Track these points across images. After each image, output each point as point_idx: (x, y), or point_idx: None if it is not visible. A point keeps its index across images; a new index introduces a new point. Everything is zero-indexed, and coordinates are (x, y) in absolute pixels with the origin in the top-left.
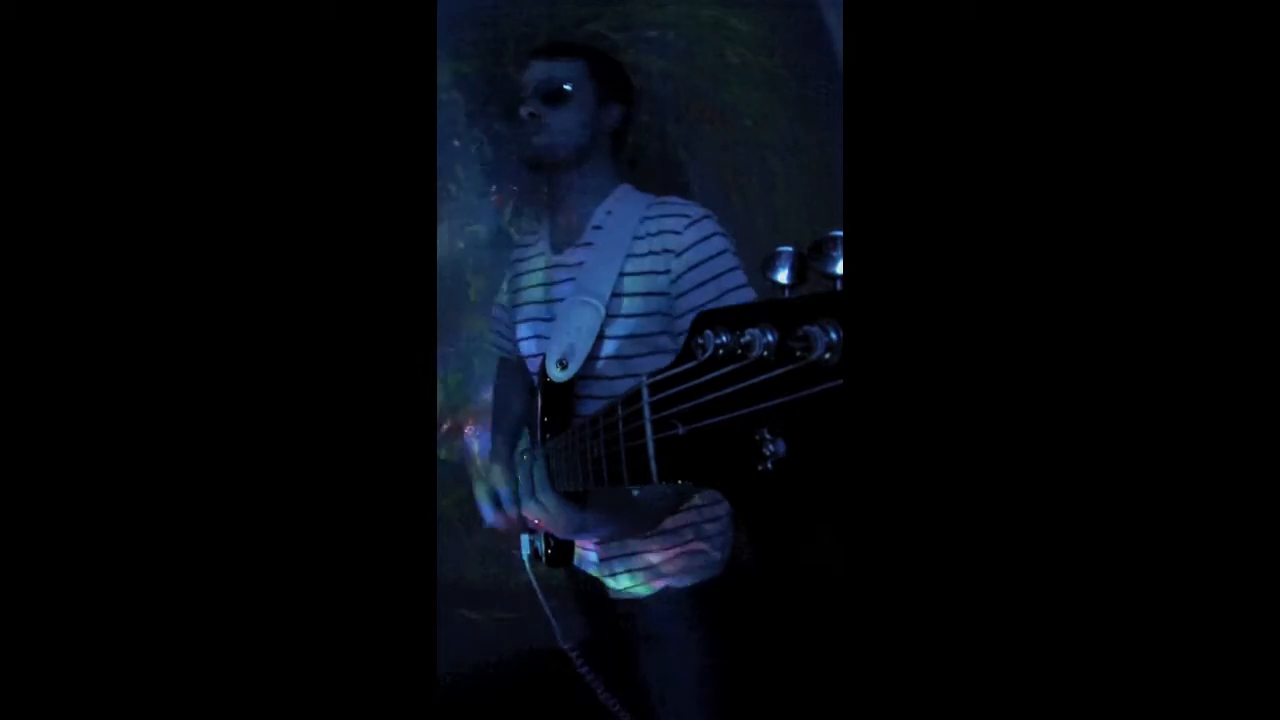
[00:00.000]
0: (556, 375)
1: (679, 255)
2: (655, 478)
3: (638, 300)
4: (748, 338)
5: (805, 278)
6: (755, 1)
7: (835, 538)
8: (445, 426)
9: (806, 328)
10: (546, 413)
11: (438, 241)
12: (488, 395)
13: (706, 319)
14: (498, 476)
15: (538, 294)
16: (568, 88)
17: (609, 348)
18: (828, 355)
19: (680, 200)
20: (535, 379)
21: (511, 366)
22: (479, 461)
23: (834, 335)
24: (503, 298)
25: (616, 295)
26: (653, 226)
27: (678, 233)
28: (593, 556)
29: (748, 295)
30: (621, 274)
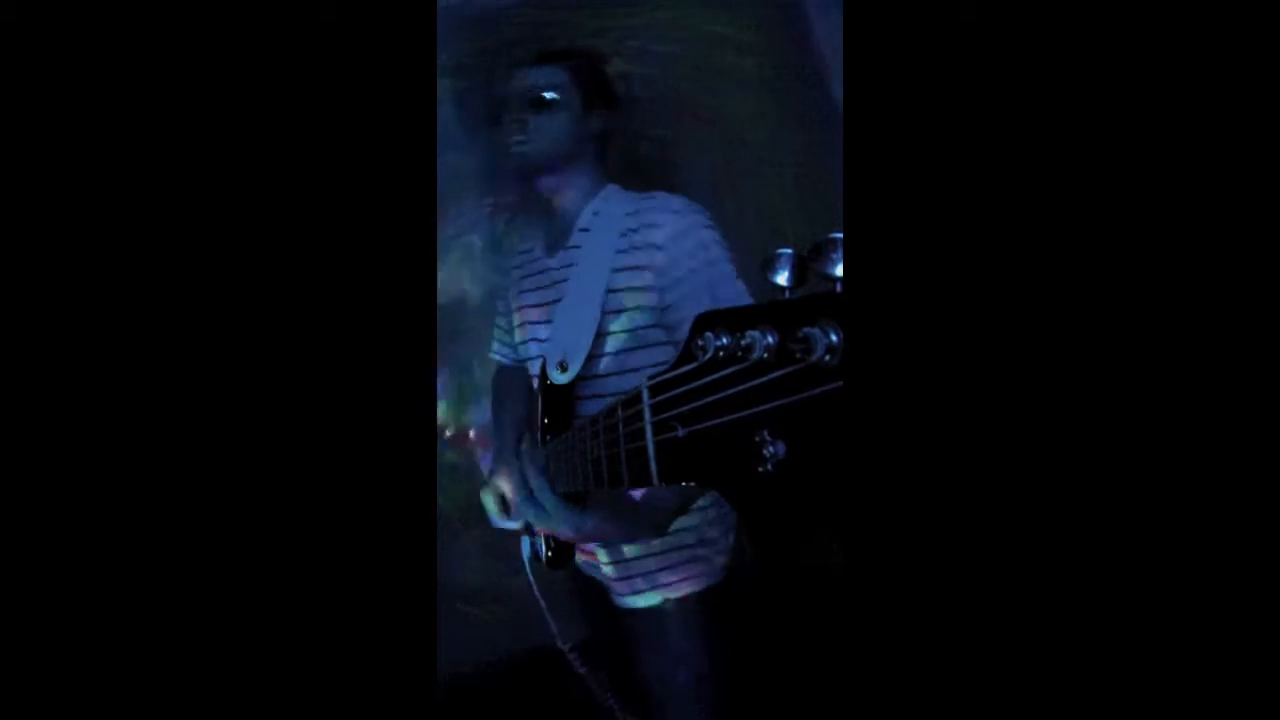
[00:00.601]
0: (557, 378)
1: (662, 248)
2: (655, 479)
3: (631, 297)
4: (748, 339)
5: (805, 279)
6: (741, 6)
7: (835, 540)
8: (448, 434)
9: (806, 330)
10: (547, 415)
11: (440, 248)
12: (488, 402)
13: (706, 320)
14: (503, 480)
15: (534, 298)
16: (552, 95)
17: (608, 346)
18: (827, 357)
19: (662, 194)
20: (535, 382)
21: (510, 373)
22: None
23: (834, 337)
24: (504, 304)
25: (611, 293)
26: (635, 222)
27: (660, 226)
28: (606, 570)
29: (736, 283)
30: (613, 272)
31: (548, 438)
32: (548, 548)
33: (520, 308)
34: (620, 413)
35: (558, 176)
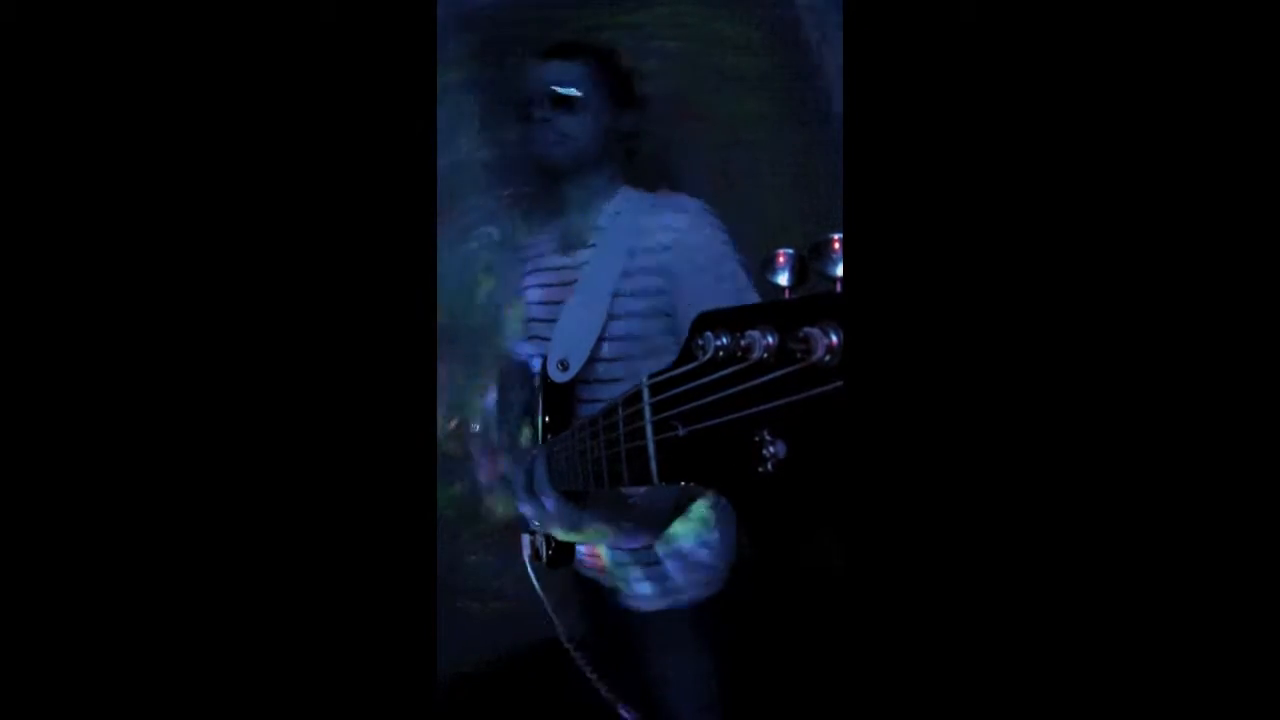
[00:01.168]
0: (557, 376)
1: (672, 249)
2: (655, 478)
3: (638, 300)
4: (748, 339)
5: (805, 279)
6: (742, 5)
7: (835, 540)
8: (453, 423)
9: (806, 329)
10: (547, 413)
11: (451, 243)
12: (494, 394)
13: (706, 320)
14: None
15: (544, 295)
16: (578, 93)
17: (610, 349)
18: (828, 357)
19: (676, 196)
20: (537, 380)
21: (516, 368)
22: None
23: (834, 337)
24: (512, 297)
25: (618, 296)
26: (649, 224)
27: (670, 228)
28: (609, 571)
29: (747, 290)
30: (623, 275)
31: (547, 436)
32: (548, 546)
33: (528, 303)
34: (620, 412)
35: (580, 175)
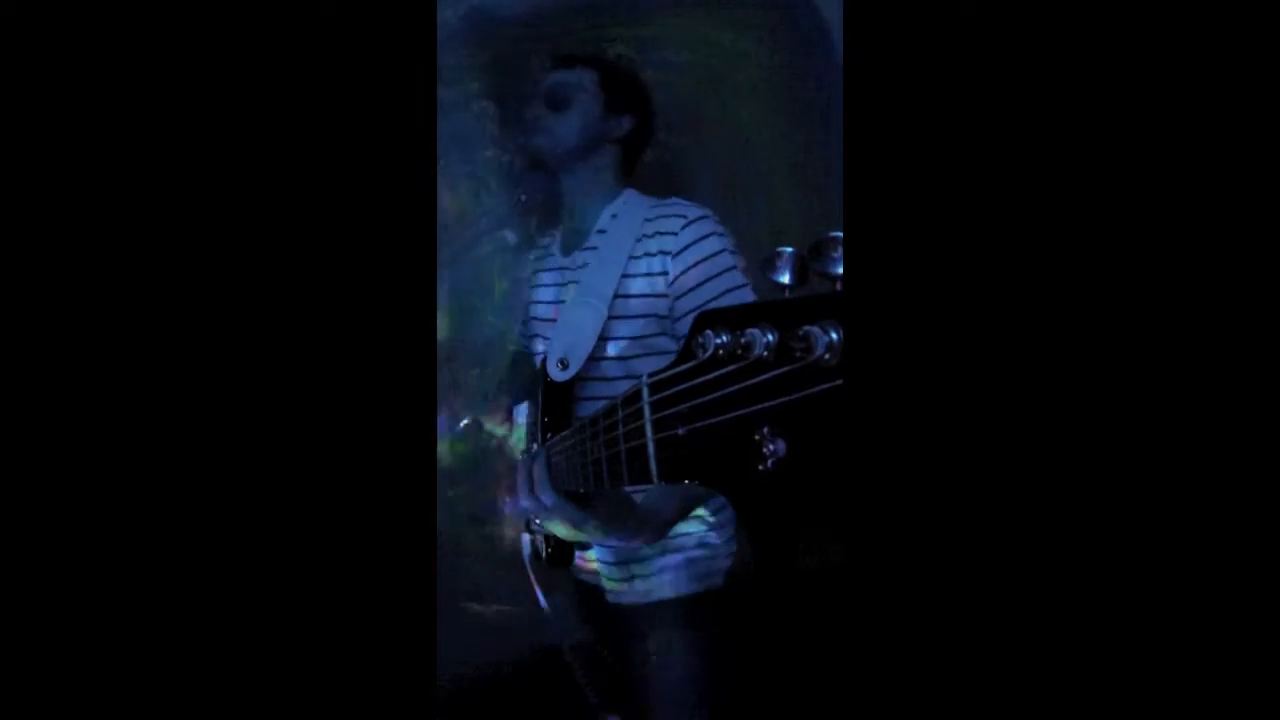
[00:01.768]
0: (557, 375)
1: (676, 256)
2: (655, 478)
3: (638, 302)
4: (748, 338)
5: (806, 278)
6: (748, 14)
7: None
8: (466, 421)
9: (806, 328)
10: (547, 412)
11: (466, 246)
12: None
13: (706, 319)
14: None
15: (547, 294)
16: (569, 95)
17: (610, 349)
18: (827, 355)
19: (680, 201)
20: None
21: (525, 359)
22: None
23: (834, 335)
24: (519, 298)
25: (618, 297)
26: (651, 228)
27: (674, 234)
28: (602, 571)
29: (746, 295)
30: (623, 276)
31: (547, 436)
32: (547, 546)
33: (531, 303)
34: (620, 411)
35: (575, 177)
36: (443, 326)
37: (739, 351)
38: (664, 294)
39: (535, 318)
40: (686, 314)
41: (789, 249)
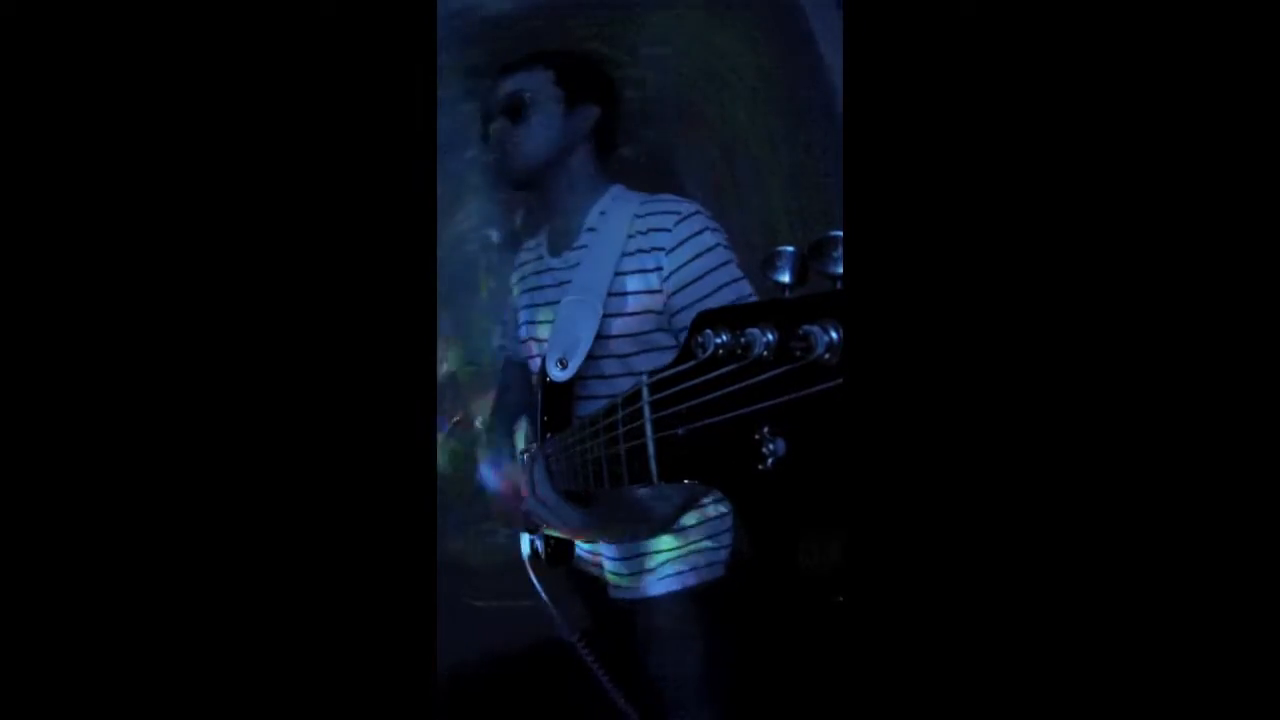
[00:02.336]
0: (556, 375)
1: (669, 252)
2: (655, 477)
3: (634, 299)
4: (747, 337)
5: (806, 278)
6: (742, 13)
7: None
8: (456, 419)
9: (806, 327)
10: (546, 412)
11: (454, 245)
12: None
13: (706, 318)
14: (496, 444)
15: (537, 296)
16: (525, 99)
17: (607, 347)
18: (827, 355)
19: (671, 197)
20: (536, 379)
21: (516, 367)
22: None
23: (834, 335)
24: (510, 299)
25: (613, 294)
26: (643, 225)
27: (668, 230)
28: (607, 550)
29: (744, 288)
30: (616, 273)
31: (547, 435)
32: (546, 545)
33: (523, 306)
34: (620, 411)
35: (557, 177)
36: None
37: (739, 351)
38: (658, 290)
39: (529, 321)
40: (683, 309)
41: (790, 248)
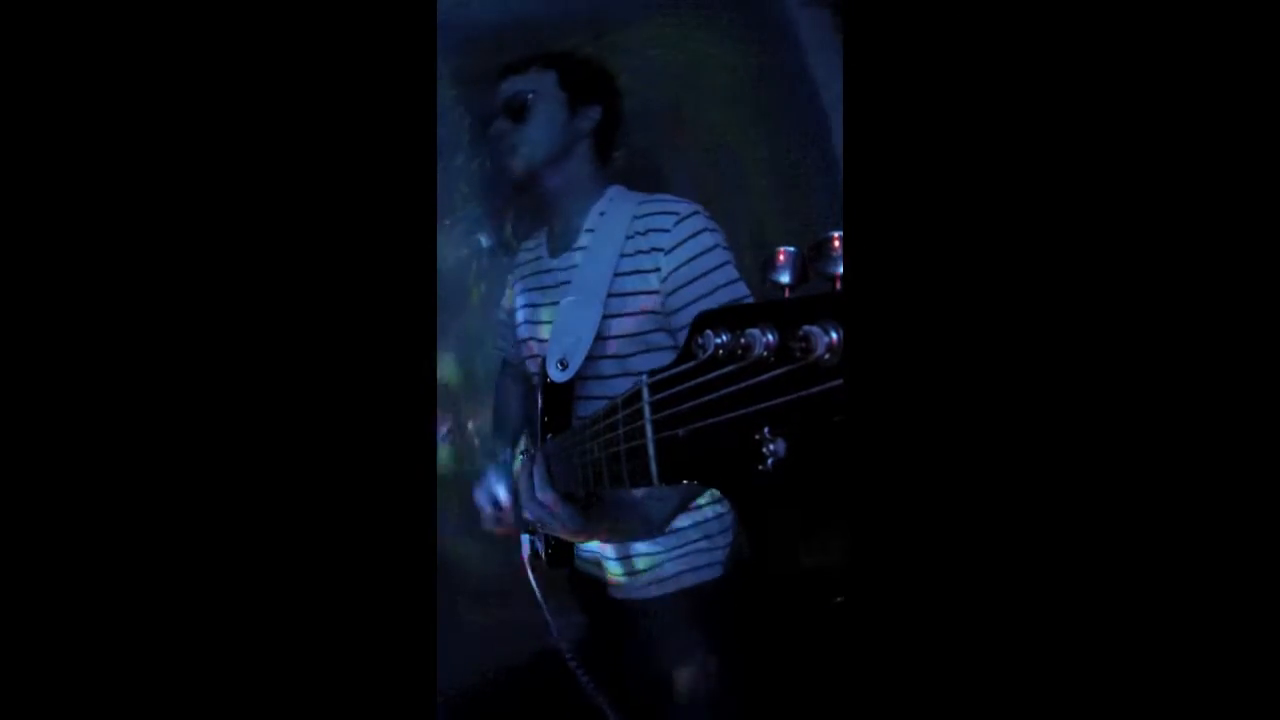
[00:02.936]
0: (557, 376)
1: (668, 253)
2: (655, 479)
3: (633, 299)
4: (747, 338)
5: (806, 278)
6: (731, 23)
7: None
8: (446, 427)
9: (806, 328)
10: (547, 413)
11: (444, 250)
12: (488, 395)
13: (706, 319)
14: (496, 478)
15: (537, 297)
16: (527, 100)
17: (608, 347)
18: (828, 355)
19: (669, 197)
20: (536, 380)
21: (514, 370)
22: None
23: (834, 335)
24: (507, 302)
25: (613, 295)
26: (641, 225)
27: (666, 230)
28: (607, 550)
29: (740, 289)
30: (615, 274)
31: (547, 436)
32: (547, 546)
33: (522, 306)
34: (620, 411)
35: (558, 177)
36: None
37: (739, 352)
38: (656, 290)
39: (528, 321)
40: (681, 309)
41: (790, 248)
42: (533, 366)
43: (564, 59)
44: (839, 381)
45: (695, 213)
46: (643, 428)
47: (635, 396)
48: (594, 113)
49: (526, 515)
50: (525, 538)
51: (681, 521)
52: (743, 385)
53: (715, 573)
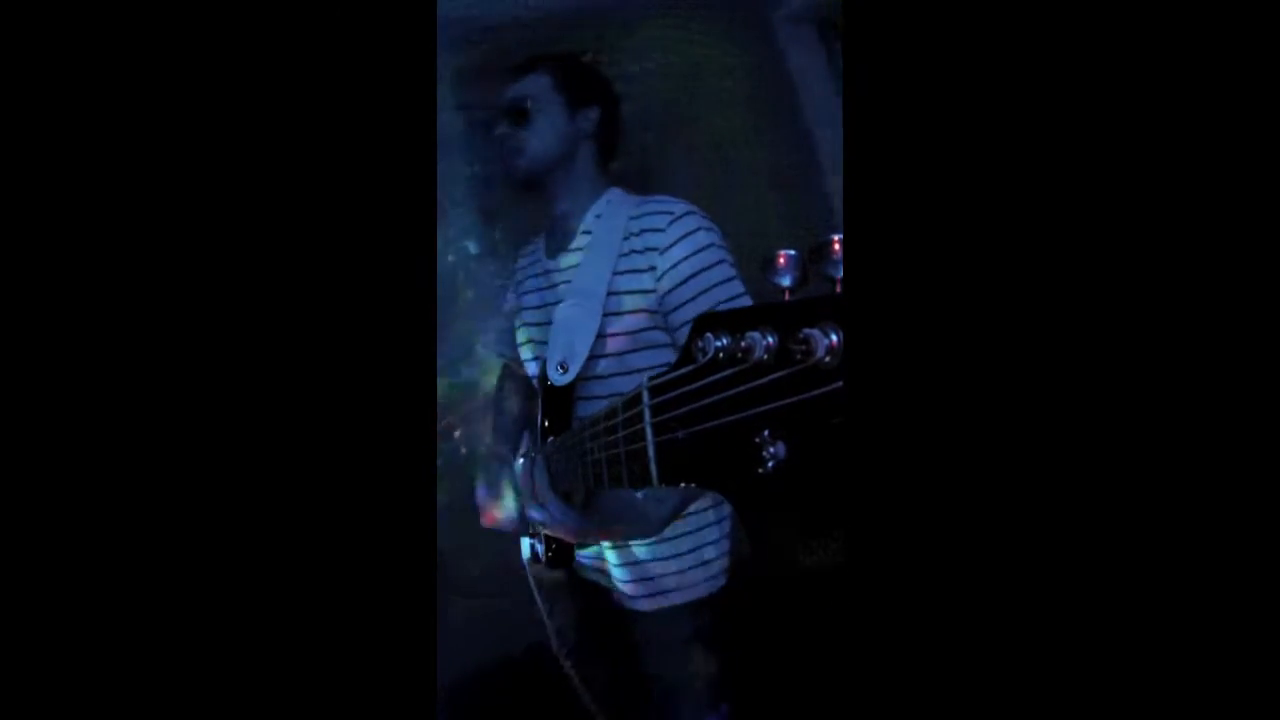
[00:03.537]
0: (557, 378)
1: (663, 252)
2: (655, 480)
3: (631, 300)
4: (748, 341)
5: (806, 281)
6: (725, 31)
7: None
8: (443, 425)
9: (806, 331)
10: (547, 415)
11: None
12: (481, 397)
13: (707, 322)
14: (495, 476)
15: (535, 299)
16: (529, 104)
17: (607, 347)
18: (828, 358)
19: (664, 198)
20: (535, 383)
21: (513, 372)
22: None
23: (834, 338)
24: (506, 306)
25: (611, 295)
26: (637, 226)
27: (660, 230)
28: (612, 558)
29: (736, 287)
30: (614, 274)
31: (548, 438)
32: (547, 548)
33: (521, 309)
34: (620, 414)
35: (556, 180)
36: None
37: (739, 354)
38: (652, 290)
39: (527, 323)
40: (677, 308)
41: (791, 251)
42: (533, 369)
43: (563, 63)
44: (839, 384)
45: (690, 212)
46: (643, 430)
47: (635, 399)
48: (593, 114)
49: (528, 516)
50: (525, 540)
51: (685, 527)
52: (743, 388)
53: (718, 584)
